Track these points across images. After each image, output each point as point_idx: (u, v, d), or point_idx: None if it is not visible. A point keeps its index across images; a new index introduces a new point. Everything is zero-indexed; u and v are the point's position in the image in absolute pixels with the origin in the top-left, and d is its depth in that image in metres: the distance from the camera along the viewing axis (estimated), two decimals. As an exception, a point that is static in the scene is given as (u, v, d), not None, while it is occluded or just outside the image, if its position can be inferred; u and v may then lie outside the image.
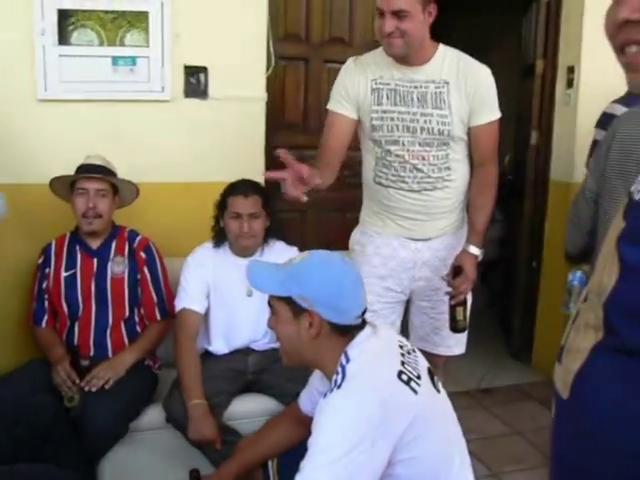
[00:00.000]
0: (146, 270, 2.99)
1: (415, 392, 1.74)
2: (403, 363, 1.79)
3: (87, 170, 2.89)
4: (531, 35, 4.44)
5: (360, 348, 1.79)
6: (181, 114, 3.40)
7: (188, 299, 2.85)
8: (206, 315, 2.94)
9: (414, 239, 2.75)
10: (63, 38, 3.19)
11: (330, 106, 2.72)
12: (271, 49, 3.51)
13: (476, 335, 3.09)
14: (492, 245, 4.63)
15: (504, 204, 4.87)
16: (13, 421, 2.40)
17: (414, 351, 1.92)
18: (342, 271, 1.88)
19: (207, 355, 2.96)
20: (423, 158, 2.64)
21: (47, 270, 2.97)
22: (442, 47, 2.62)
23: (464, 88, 2.58)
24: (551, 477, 1.25)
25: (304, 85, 3.79)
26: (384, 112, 2.62)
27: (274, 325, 1.92)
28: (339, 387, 1.71)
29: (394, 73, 2.61)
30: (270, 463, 2.17)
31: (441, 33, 2.67)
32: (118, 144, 3.30)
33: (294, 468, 1.67)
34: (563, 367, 1.07)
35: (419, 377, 1.79)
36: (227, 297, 2.93)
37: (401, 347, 1.88)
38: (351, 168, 3.41)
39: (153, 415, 2.80)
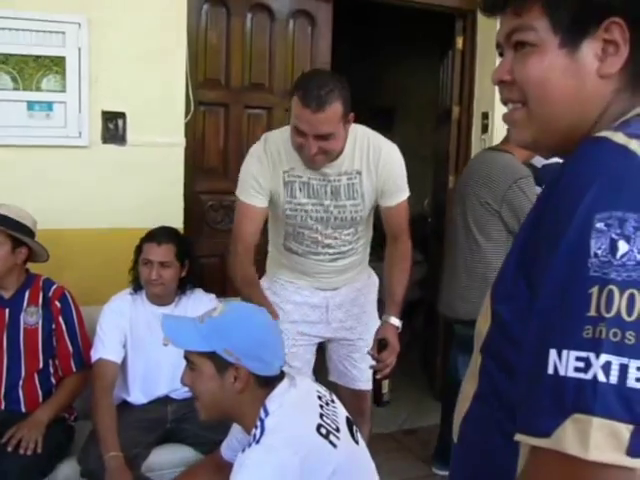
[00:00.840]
0: (61, 320, 2.91)
1: (334, 446, 1.72)
2: (322, 415, 1.77)
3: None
4: (447, 81, 4.58)
5: (279, 401, 1.76)
6: (99, 160, 3.36)
7: (104, 349, 2.80)
8: (123, 364, 2.89)
9: (323, 289, 2.80)
10: (-24, 82, 3.13)
11: (243, 197, 2.63)
12: (190, 94, 3.51)
13: (399, 377, 3.11)
14: (413, 287, 4.70)
15: (424, 245, 4.97)
16: None
17: (333, 402, 1.91)
18: (263, 322, 1.87)
19: (125, 405, 2.90)
20: (335, 238, 2.70)
21: None
22: (351, 134, 2.55)
23: (375, 176, 2.61)
24: None
25: (224, 130, 3.80)
26: (298, 204, 2.63)
27: (192, 382, 1.83)
28: (258, 442, 1.67)
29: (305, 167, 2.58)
30: None
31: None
32: (36, 189, 3.24)
33: None
34: (457, 413, 1.10)
35: (338, 430, 1.77)
36: (144, 345, 2.89)
37: (320, 398, 1.87)
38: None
39: (67, 469, 2.71)
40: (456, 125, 4.45)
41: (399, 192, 2.68)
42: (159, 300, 2.91)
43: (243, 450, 1.70)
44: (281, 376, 1.86)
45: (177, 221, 3.50)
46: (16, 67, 3.18)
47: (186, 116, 3.52)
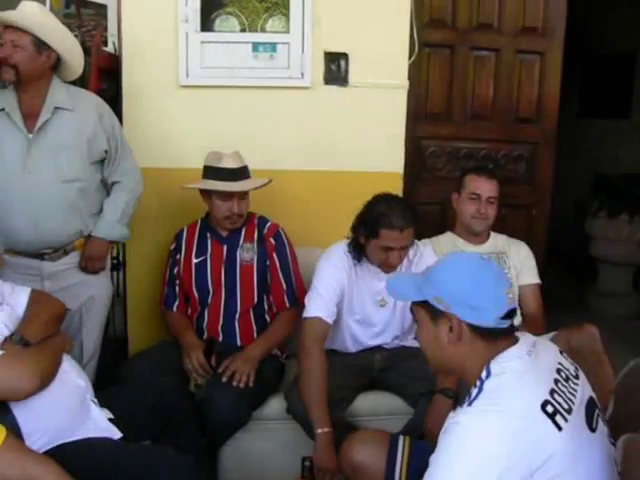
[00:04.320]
0: (275, 257, 2.94)
1: (559, 428, 1.50)
2: (553, 392, 1.56)
3: (226, 176, 2.86)
4: None
5: (505, 365, 1.59)
6: (320, 101, 3.33)
7: (321, 308, 2.68)
8: (337, 318, 2.80)
9: None
10: (206, 25, 3.20)
11: None
12: (415, 35, 3.36)
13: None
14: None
15: None
16: (137, 400, 2.42)
17: (576, 378, 1.68)
18: (477, 268, 1.69)
19: (333, 351, 2.87)
20: None
21: (178, 256, 3.00)
22: None
23: None
24: None
25: (449, 73, 3.61)
26: None
27: (418, 334, 1.78)
28: (470, 404, 1.54)
29: None
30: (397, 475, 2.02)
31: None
32: (256, 130, 3.29)
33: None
34: None
35: (569, 411, 1.55)
36: (358, 306, 2.82)
37: (559, 372, 1.64)
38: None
39: (275, 405, 2.76)
40: None
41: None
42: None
43: (454, 408, 1.59)
44: (508, 332, 1.66)
45: (397, 166, 3.41)
46: (243, 10, 3.23)
47: (410, 58, 3.38)
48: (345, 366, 2.77)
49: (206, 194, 2.91)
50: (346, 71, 3.30)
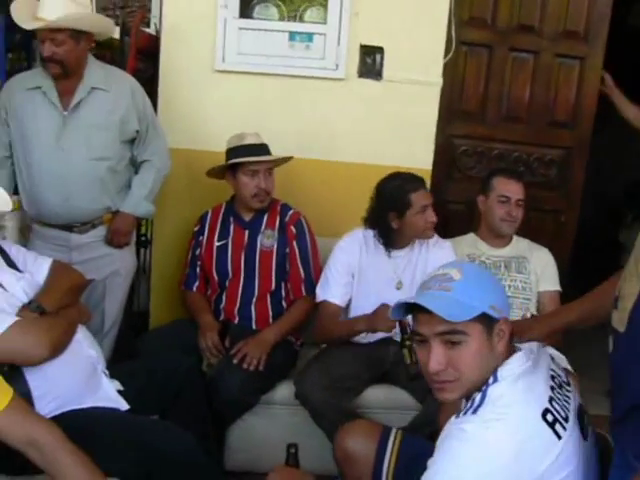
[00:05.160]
0: (295, 245, 2.98)
1: (559, 437, 1.50)
2: (551, 400, 1.55)
3: (251, 151, 2.92)
4: None
5: (511, 371, 1.57)
6: (353, 94, 3.35)
7: (330, 291, 2.82)
8: (350, 303, 2.88)
9: None
10: (244, 12, 3.24)
11: None
12: (452, 33, 3.36)
13: None
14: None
15: None
16: (148, 373, 2.48)
17: (568, 384, 1.67)
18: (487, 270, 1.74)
19: (347, 341, 2.90)
20: None
21: (201, 238, 3.06)
22: None
23: None
24: (613, 407, 1.49)
25: (485, 73, 3.58)
26: None
27: (453, 361, 1.57)
28: (475, 412, 1.52)
29: None
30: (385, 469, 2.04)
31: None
32: (287, 118, 3.33)
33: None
34: (619, 310, 1.40)
35: (566, 419, 1.55)
36: (374, 288, 2.85)
37: (553, 378, 1.63)
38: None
39: (285, 390, 2.80)
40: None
41: None
42: (396, 246, 2.86)
43: (457, 415, 1.56)
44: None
45: (426, 163, 3.42)
46: (283, -1, 3.26)
47: (446, 55, 3.38)
48: (358, 357, 2.79)
49: (232, 175, 2.96)
50: (381, 65, 3.31)
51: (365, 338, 2.88)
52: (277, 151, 3.01)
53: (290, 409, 2.78)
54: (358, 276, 2.86)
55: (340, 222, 3.08)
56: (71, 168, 2.77)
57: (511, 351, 1.62)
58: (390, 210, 2.77)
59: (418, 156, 3.36)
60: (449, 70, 3.43)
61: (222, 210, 3.08)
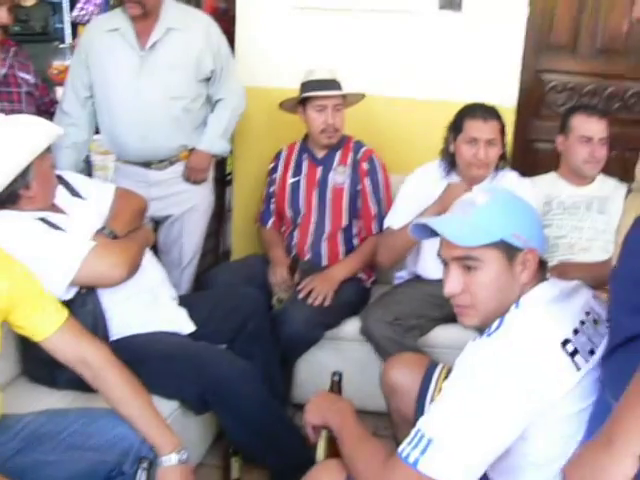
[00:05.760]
0: (367, 182, 2.96)
1: (577, 368, 1.46)
2: (577, 331, 1.50)
3: (322, 86, 2.89)
4: None
5: (533, 299, 1.54)
6: (432, 27, 3.25)
7: (395, 219, 2.76)
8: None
9: None
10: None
11: None
12: (541, -41, 3.18)
13: None
14: None
15: None
16: (215, 304, 2.56)
17: (608, 322, 1.58)
18: (527, 203, 1.66)
19: (417, 277, 2.88)
20: None
21: (275, 175, 3.10)
22: None
23: None
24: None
25: (578, 2, 3.37)
26: None
27: (470, 286, 1.57)
28: (489, 334, 1.50)
29: None
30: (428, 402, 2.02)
31: None
32: (363, 54, 3.28)
33: None
34: None
35: (591, 352, 1.50)
36: None
37: (587, 314, 1.56)
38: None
39: (353, 326, 2.81)
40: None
41: None
42: (474, 181, 2.68)
43: (474, 338, 1.55)
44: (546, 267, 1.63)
45: (510, 100, 3.28)
46: None
47: (533, -17, 3.21)
48: (426, 295, 2.73)
49: (302, 110, 2.95)
50: (461, -5, 3.18)
51: (437, 273, 2.84)
52: (352, 88, 2.96)
53: (356, 344, 2.79)
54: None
55: (416, 160, 3.01)
56: (148, 107, 2.85)
57: (540, 282, 1.57)
58: (449, 131, 2.74)
59: (502, 93, 3.21)
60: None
61: (296, 147, 3.09)
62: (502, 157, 2.77)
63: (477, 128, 2.66)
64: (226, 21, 3.30)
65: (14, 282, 1.79)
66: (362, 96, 3.00)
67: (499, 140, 2.70)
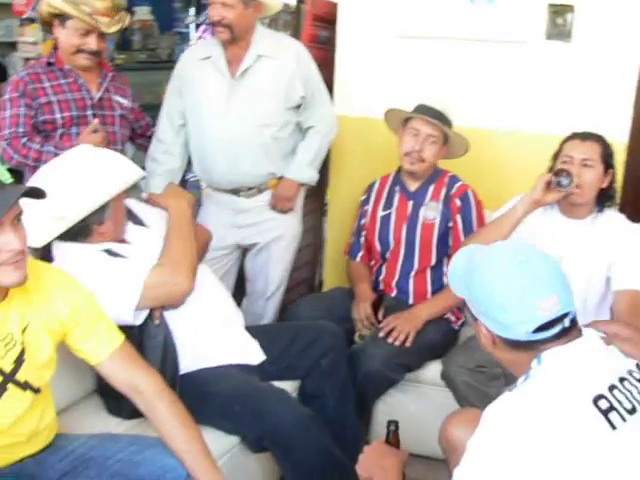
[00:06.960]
0: (459, 219, 2.82)
1: (613, 427, 1.30)
2: (613, 388, 1.35)
3: (425, 111, 2.79)
4: None
5: (559, 355, 1.40)
6: (539, 58, 3.08)
7: None
8: None
9: None
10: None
11: None
12: (660, -15, 2.95)
13: None
14: None
15: None
16: (293, 337, 2.49)
17: None
18: (508, 273, 1.43)
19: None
20: None
21: (366, 207, 3.01)
22: None
23: None
24: None
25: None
26: None
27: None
28: (516, 386, 1.41)
29: None
30: None
31: None
32: (464, 85, 3.17)
33: None
34: None
35: (632, 411, 1.34)
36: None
37: (630, 372, 1.40)
38: None
39: (435, 370, 2.67)
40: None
41: None
42: (573, 211, 2.52)
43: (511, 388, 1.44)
44: (558, 337, 1.41)
45: (622, 135, 3.05)
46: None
47: (651, 9, 2.98)
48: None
49: (402, 131, 2.84)
50: (571, 24, 3.00)
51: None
52: (456, 119, 2.84)
53: (438, 389, 2.65)
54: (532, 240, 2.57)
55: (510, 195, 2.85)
56: (237, 134, 2.84)
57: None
58: (552, 160, 2.57)
59: (612, 127, 2.95)
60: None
61: (389, 179, 2.99)
62: (608, 195, 2.54)
63: (572, 147, 2.48)
64: (327, 50, 3.27)
65: (75, 308, 1.80)
66: (465, 150, 2.85)
67: (598, 163, 2.44)
